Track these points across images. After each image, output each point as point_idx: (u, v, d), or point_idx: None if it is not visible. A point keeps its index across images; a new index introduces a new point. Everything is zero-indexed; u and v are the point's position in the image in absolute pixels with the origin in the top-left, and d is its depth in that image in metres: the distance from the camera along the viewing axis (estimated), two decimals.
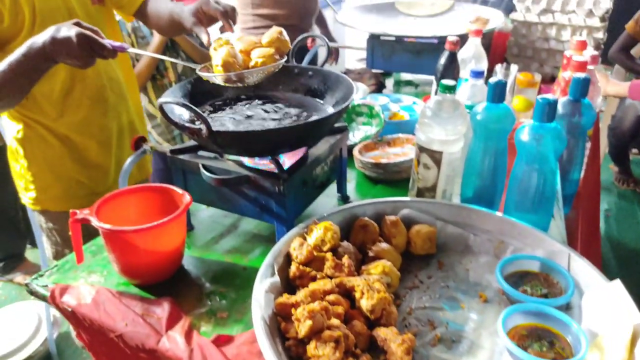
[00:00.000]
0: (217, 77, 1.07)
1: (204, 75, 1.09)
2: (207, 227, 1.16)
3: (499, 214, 1.00)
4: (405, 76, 2.24)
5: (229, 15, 1.15)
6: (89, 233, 1.01)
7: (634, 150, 3.78)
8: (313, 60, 2.43)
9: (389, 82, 2.17)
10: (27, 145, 1.36)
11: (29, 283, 0.97)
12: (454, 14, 2.25)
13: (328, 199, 1.24)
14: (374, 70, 2.10)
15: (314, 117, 1.08)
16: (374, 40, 2.04)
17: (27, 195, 1.43)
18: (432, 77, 2.05)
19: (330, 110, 1.12)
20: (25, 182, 1.41)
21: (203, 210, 1.21)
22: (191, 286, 0.97)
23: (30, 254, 2.69)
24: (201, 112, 0.86)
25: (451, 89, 1.04)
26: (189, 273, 1.01)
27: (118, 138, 1.48)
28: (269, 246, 1.09)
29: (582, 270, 0.87)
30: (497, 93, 1.00)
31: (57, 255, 1.50)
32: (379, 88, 2.00)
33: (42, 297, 0.95)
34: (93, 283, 0.97)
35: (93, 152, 1.42)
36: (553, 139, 0.94)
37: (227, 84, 1.09)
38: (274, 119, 1.08)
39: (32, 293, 0.97)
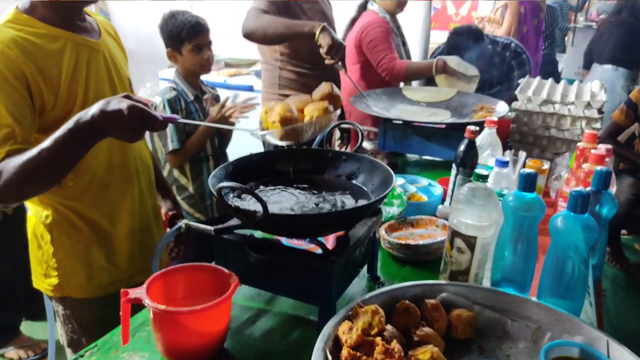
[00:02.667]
0: (274, 133, 1.06)
1: (262, 133, 1.11)
2: (242, 306, 1.16)
3: (534, 299, 1.03)
4: (412, 156, 2.34)
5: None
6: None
7: (623, 231, 3.90)
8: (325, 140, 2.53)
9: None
10: (55, 231, 1.32)
11: None
12: (458, 101, 2.40)
13: (358, 279, 1.27)
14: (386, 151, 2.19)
15: (363, 202, 1.12)
16: (387, 123, 2.15)
17: (46, 282, 1.36)
18: (441, 159, 2.17)
19: (371, 193, 1.17)
20: (48, 268, 1.35)
21: None
22: None
23: (24, 326, 2.59)
24: (260, 197, 0.90)
25: (484, 178, 1.11)
26: (230, 355, 1.01)
27: (144, 223, 1.46)
28: (306, 328, 1.10)
29: (622, 358, 0.89)
30: (529, 183, 1.07)
31: (73, 343, 1.42)
32: (391, 168, 2.08)
33: None
34: None
35: (120, 239, 1.39)
36: (585, 229, 1.00)
37: (283, 141, 1.08)
38: (316, 202, 1.12)
39: None
